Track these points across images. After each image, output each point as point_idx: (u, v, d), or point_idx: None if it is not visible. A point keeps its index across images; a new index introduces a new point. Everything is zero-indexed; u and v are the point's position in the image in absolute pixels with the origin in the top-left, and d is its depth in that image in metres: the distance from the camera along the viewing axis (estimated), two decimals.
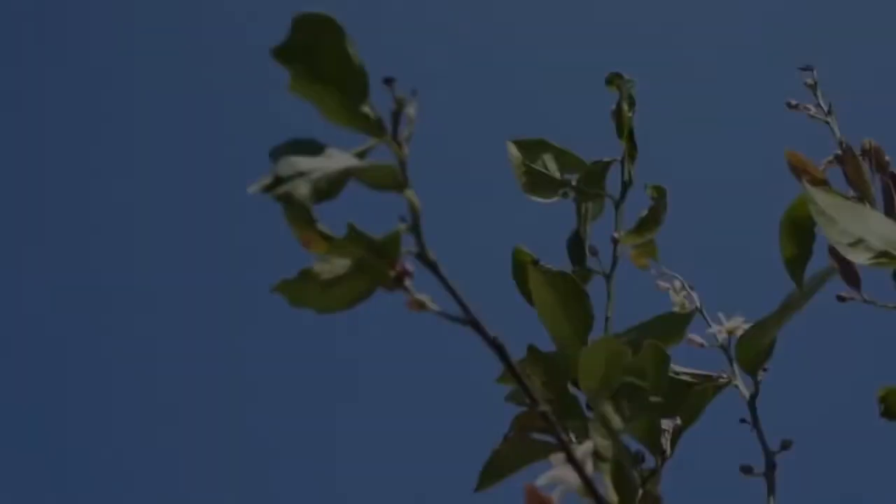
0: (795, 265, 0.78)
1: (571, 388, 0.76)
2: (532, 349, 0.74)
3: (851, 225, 0.60)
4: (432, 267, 0.45)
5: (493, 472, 0.74)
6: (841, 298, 0.73)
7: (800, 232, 0.78)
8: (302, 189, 0.43)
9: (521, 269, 0.78)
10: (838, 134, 0.80)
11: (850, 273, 0.69)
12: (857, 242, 0.60)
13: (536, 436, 0.75)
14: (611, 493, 0.42)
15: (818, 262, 0.79)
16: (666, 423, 0.74)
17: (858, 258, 0.60)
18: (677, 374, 0.81)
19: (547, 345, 0.77)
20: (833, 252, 0.71)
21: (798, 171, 0.76)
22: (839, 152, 0.74)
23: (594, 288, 0.82)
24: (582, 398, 0.75)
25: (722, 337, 0.88)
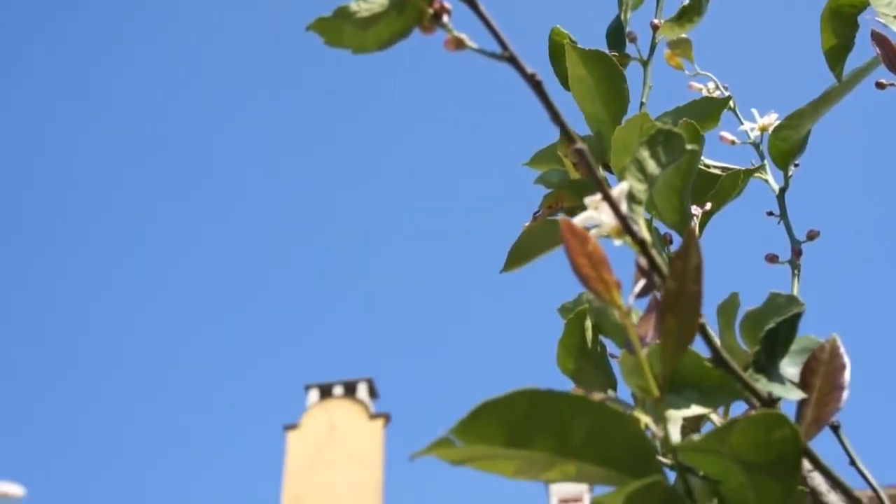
0: (835, 56, 0.77)
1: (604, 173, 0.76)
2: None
3: None
4: (470, 2, 0.44)
5: (521, 252, 0.73)
6: (880, 85, 0.72)
7: (841, 22, 0.76)
8: None
9: (557, 50, 0.77)
10: None
11: (892, 58, 0.67)
12: None
13: (564, 217, 0.75)
14: (644, 233, 0.42)
15: (857, 58, 0.77)
16: (695, 209, 0.74)
17: None
18: (708, 167, 0.81)
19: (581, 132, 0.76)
20: (876, 37, 0.69)
21: None
22: None
23: (630, 78, 0.81)
24: (614, 183, 0.75)
25: (755, 134, 0.87)
